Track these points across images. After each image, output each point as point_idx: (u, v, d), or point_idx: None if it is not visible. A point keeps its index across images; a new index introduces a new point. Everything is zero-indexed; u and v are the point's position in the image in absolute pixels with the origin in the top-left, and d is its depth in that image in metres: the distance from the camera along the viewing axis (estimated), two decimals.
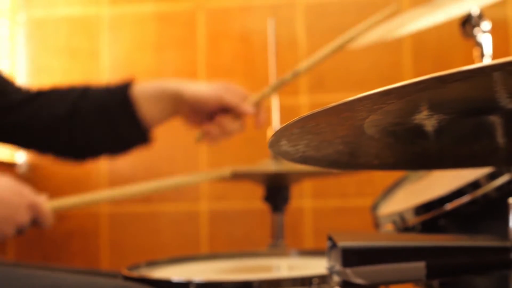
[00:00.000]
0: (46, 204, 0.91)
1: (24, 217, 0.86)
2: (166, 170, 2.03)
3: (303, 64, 1.05)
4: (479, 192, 0.78)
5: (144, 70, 2.07)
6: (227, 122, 1.05)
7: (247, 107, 1.05)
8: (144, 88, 1.07)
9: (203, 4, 2.07)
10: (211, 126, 1.06)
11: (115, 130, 1.06)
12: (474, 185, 0.78)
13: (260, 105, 1.07)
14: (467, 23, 0.86)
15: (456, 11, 0.86)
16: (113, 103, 1.05)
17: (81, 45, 2.10)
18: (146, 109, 1.06)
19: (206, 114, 1.06)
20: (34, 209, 0.88)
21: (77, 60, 2.09)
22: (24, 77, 2.11)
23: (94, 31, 2.10)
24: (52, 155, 1.11)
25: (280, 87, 1.05)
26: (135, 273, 0.87)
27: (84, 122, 1.05)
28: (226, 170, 1.02)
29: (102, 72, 2.09)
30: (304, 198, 1.97)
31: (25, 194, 0.87)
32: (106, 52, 2.09)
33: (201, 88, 1.06)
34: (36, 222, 0.90)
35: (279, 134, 0.47)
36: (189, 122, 1.11)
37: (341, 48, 1.02)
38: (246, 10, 2.05)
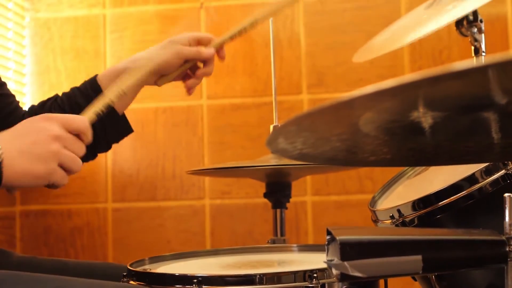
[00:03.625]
0: (80, 117, 0.81)
1: (54, 128, 0.75)
2: (169, 167, 2.05)
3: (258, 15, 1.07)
4: (475, 187, 0.79)
5: None
6: (201, 69, 1.07)
7: (208, 52, 1.06)
8: (107, 77, 1.06)
9: (205, 3, 2.08)
10: (189, 81, 1.07)
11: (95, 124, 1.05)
12: (470, 180, 0.79)
13: (221, 46, 1.08)
14: (461, 22, 0.87)
15: (456, 13, 0.87)
16: (83, 99, 1.05)
17: (85, 45, 2.12)
18: None
19: (171, 72, 1.07)
20: (60, 119, 0.78)
21: (82, 60, 2.11)
22: (30, 77, 2.14)
23: (99, 32, 2.12)
24: None
25: (238, 35, 1.06)
26: (139, 269, 0.89)
27: None
28: None
29: None
30: (305, 193, 1.99)
31: (50, 115, 0.79)
32: (110, 52, 2.10)
33: (156, 54, 1.05)
34: (78, 135, 0.78)
35: (276, 132, 0.49)
36: (157, 85, 1.11)
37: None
38: (247, 8, 2.06)
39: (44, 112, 1.04)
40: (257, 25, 1.05)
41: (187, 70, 1.09)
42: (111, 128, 1.07)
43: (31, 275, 0.80)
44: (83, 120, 0.81)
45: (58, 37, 2.13)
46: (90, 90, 1.07)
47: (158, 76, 1.08)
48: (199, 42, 1.07)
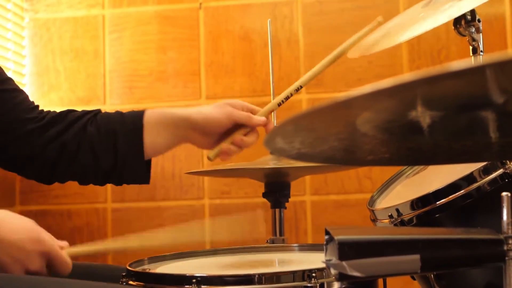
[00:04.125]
0: (63, 251, 0.87)
1: (35, 264, 0.83)
2: (168, 167, 2.05)
3: (305, 78, 1.08)
4: (473, 186, 0.79)
5: (146, 70, 2.09)
6: (242, 137, 1.05)
7: (258, 119, 1.04)
8: (153, 115, 1.05)
9: (204, 3, 2.08)
10: (227, 145, 1.05)
11: (118, 157, 1.02)
12: (468, 179, 0.80)
13: (268, 115, 1.07)
14: (459, 22, 0.87)
15: (453, 13, 0.87)
16: (123, 128, 1.03)
17: (85, 46, 2.12)
18: (153, 136, 1.04)
19: (217, 135, 1.04)
20: (48, 256, 0.84)
21: (81, 61, 2.11)
22: (29, 78, 2.14)
23: (98, 32, 2.12)
24: (56, 181, 1.07)
25: (284, 101, 1.06)
26: (138, 269, 0.89)
27: (92, 146, 1.02)
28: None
29: (106, 72, 2.11)
30: (304, 193, 1.99)
31: (42, 240, 0.84)
32: (109, 53, 2.11)
33: (209, 110, 1.03)
34: (52, 268, 0.85)
35: (274, 132, 0.49)
36: (200, 145, 1.09)
37: (335, 59, 1.07)
38: (246, 8, 2.06)
39: (81, 123, 1.03)
40: (301, 88, 1.08)
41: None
42: (129, 170, 1.05)
43: (29, 278, 0.80)
44: (68, 269, 0.87)
45: (57, 38, 2.13)
46: (131, 124, 1.04)
47: (205, 134, 1.04)
48: (251, 111, 1.05)
